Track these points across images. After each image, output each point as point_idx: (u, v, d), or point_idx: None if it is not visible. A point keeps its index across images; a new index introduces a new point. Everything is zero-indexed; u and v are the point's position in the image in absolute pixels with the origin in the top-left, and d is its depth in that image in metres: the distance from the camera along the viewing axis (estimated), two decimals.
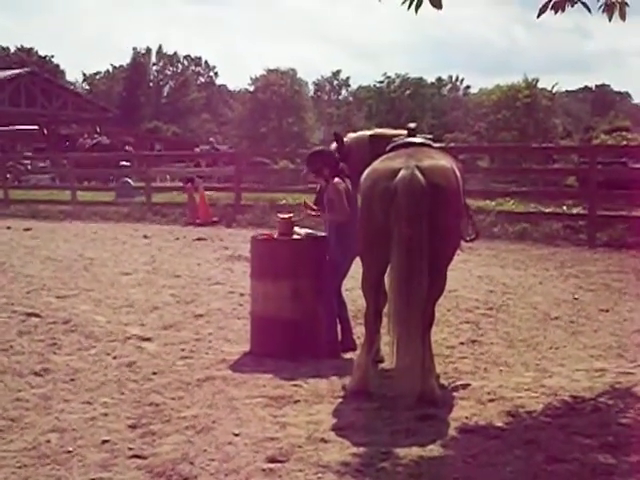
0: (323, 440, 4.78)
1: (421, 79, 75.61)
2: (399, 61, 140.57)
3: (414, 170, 5.50)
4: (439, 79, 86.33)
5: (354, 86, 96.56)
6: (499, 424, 5.11)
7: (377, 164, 5.87)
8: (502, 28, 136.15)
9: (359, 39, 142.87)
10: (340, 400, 5.62)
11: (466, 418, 5.21)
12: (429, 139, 6.43)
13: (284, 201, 18.11)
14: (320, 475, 4.26)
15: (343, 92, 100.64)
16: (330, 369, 6.40)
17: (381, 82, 71.22)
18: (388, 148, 6.12)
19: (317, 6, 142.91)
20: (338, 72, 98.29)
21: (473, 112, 56.67)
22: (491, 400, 5.60)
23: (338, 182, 6.88)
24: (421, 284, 5.40)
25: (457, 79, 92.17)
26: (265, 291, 6.84)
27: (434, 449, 4.65)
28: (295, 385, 5.95)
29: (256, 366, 6.48)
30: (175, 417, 5.22)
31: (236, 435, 4.86)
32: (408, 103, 69.82)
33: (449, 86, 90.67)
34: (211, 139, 40.65)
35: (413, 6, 4.91)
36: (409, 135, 6.32)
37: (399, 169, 5.54)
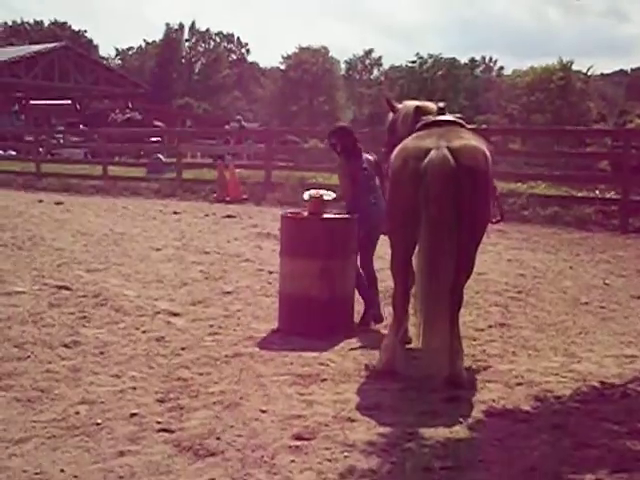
0: (349, 419, 4.79)
1: (454, 60, 74.90)
2: (432, 41, 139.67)
3: (444, 151, 5.47)
4: (472, 60, 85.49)
5: (386, 66, 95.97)
6: (526, 408, 5.08)
7: (408, 142, 5.83)
8: (537, 9, 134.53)
9: (392, 18, 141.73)
10: (367, 380, 5.62)
11: (493, 401, 5.19)
12: (459, 118, 6.36)
13: (314, 180, 18.07)
14: (346, 454, 4.27)
15: (375, 72, 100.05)
16: (357, 348, 6.41)
17: (413, 62, 70.59)
18: (418, 126, 6.09)
19: None
20: (370, 51, 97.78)
21: (506, 94, 56.16)
22: (519, 384, 5.57)
23: (345, 161, 7.22)
24: (448, 266, 5.39)
25: (490, 60, 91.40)
26: (294, 269, 6.85)
27: (460, 431, 4.64)
28: (322, 364, 5.96)
29: (283, 344, 6.50)
30: (203, 392, 5.25)
31: (263, 412, 4.88)
32: (440, 84, 69.23)
33: (482, 67, 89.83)
34: (238, 116, 40.56)
35: None
36: (439, 114, 6.28)
37: (429, 149, 5.51)
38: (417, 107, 6.53)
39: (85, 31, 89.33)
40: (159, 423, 4.68)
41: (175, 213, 16.24)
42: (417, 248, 5.56)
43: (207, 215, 16.02)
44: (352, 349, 6.40)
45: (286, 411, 4.91)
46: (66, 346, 6.33)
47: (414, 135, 5.91)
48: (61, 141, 31.09)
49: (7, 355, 6.02)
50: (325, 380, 5.59)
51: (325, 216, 7.02)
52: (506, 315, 7.71)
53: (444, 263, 5.37)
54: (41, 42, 57.77)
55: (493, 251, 11.36)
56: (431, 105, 6.63)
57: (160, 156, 24.06)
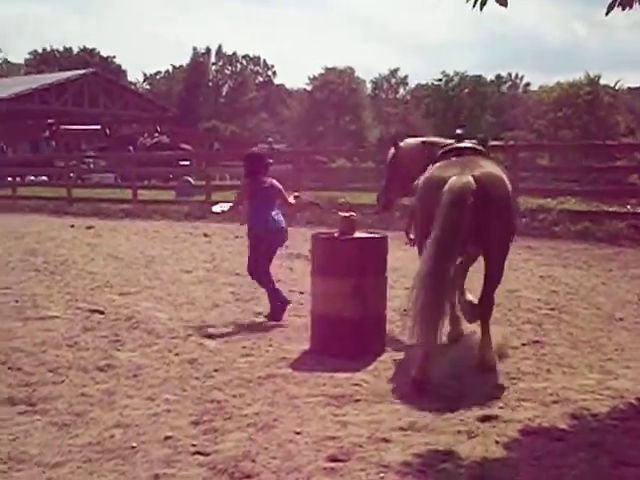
0: (384, 440, 4.76)
1: (480, 77, 74.76)
2: (458, 59, 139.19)
3: (466, 177, 6.01)
4: (498, 76, 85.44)
5: (412, 84, 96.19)
6: (563, 426, 5.03)
7: (433, 172, 6.39)
8: (563, 24, 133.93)
9: (417, 37, 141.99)
10: (401, 400, 5.59)
11: (529, 420, 5.13)
12: (480, 143, 6.89)
13: (342, 199, 18.03)
14: (382, 475, 4.24)
15: (401, 90, 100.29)
16: (390, 368, 6.38)
17: (439, 80, 70.56)
18: (440, 153, 6.66)
19: (375, 4, 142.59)
20: (396, 70, 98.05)
21: (533, 110, 56.01)
22: (555, 402, 5.51)
23: (248, 181, 8.56)
24: (443, 281, 5.78)
25: (517, 76, 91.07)
26: (326, 289, 6.85)
27: (497, 450, 4.60)
28: (355, 384, 5.94)
29: (316, 364, 6.48)
30: (237, 414, 5.25)
31: (297, 433, 4.87)
32: (467, 101, 69.15)
33: (508, 83, 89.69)
34: (270, 138, 40.79)
35: (478, 4, 4.83)
36: (458, 141, 6.86)
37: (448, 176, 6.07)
38: (423, 142, 7.38)
39: (114, 57, 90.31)
40: (194, 446, 4.69)
41: (205, 235, 16.32)
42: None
43: (237, 237, 16.04)
44: (385, 369, 6.37)
45: (320, 432, 4.89)
46: (100, 370, 6.37)
47: (437, 165, 6.46)
48: (91, 166, 31.41)
49: (42, 379, 6.07)
50: (359, 401, 5.57)
51: (356, 235, 7.02)
52: (539, 332, 7.64)
53: (436, 279, 5.74)
54: (71, 69, 58.57)
55: (525, 268, 11.29)
56: (437, 139, 7.39)
57: (189, 179, 24.22)
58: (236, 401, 5.55)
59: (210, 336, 7.52)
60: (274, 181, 8.62)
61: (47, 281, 10.46)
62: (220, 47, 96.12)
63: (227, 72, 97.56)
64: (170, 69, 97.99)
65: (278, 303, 8.34)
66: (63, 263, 12.11)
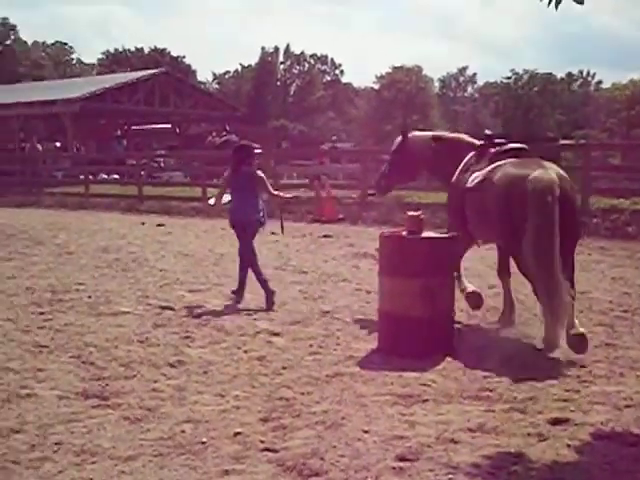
0: (453, 441, 4.73)
1: (550, 75, 73.82)
2: (527, 56, 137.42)
3: (551, 173, 6.85)
4: (569, 74, 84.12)
5: (480, 82, 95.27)
6: (637, 431, 4.92)
7: (509, 170, 7.15)
8: (636, 21, 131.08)
9: (486, 35, 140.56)
10: (469, 400, 5.55)
11: (601, 424, 5.04)
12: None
13: (409, 199, 18.00)
14: (451, 476, 4.22)
15: (469, 89, 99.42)
16: (458, 369, 6.33)
17: (508, 78, 70.00)
18: (494, 151, 7.60)
19: (444, 2, 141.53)
20: (464, 68, 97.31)
21: (605, 108, 54.96)
22: (627, 406, 5.40)
23: (230, 171, 9.34)
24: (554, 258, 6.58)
25: (588, 74, 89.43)
26: (394, 289, 6.83)
27: (568, 454, 4.53)
28: (423, 384, 5.91)
29: (384, 363, 6.47)
30: (305, 412, 5.28)
31: (365, 432, 4.87)
32: (536, 99, 68.27)
33: (579, 81, 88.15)
34: (334, 137, 40.86)
35: (553, 3, 4.74)
36: (489, 142, 7.85)
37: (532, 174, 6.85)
38: (433, 137, 8.43)
39: (184, 57, 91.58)
40: (263, 442, 4.73)
41: (272, 234, 16.38)
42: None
43: (304, 235, 16.14)
44: (453, 369, 6.33)
45: (388, 432, 4.88)
46: (171, 365, 6.47)
47: (510, 162, 7.27)
48: (162, 164, 31.87)
49: (115, 374, 6.19)
50: (427, 401, 5.54)
51: (425, 234, 6.99)
52: (612, 335, 7.49)
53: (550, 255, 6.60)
54: (142, 69, 59.51)
55: (596, 269, 11.08)
56: (449, 135, 8.55)
57: None
58: (304, 399, 5.58)
59: (278, 334, 7.56)
60: (256, 171, 9.28)
61: (119, 278, 10.66)
62: (288, 46, 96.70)
63: (295, 71, 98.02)
64: (239, 69, 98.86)
65: (244, 286, 9.17)
66: (134, 260, 12.33)
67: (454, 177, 7.95)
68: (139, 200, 23.79)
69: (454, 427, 4.96)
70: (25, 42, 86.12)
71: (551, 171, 6.87)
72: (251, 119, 65.79)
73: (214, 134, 37.72)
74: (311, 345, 7.13)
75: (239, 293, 9.18)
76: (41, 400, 5.54)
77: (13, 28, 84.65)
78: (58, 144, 41.16)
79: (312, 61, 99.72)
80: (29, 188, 27.95)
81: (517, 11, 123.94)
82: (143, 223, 18.68)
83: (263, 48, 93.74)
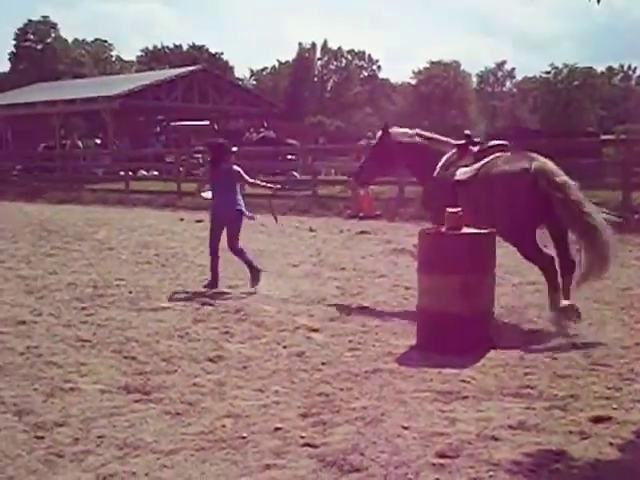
0: (493, 438, 4.71)
1: (590, 69, 72.91)
2: (567, 50, 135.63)
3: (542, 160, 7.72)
4: (609, 68, 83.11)
5: (519, 77, 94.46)
6: None
7: (502, 163, 7.94)
8: None
9: (525, 29, 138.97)
10: (509, 397, 5.52)
11: None
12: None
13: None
14: (492, 473, 4.20)
15: (507, 84, 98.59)
16: (498, 365, 6.29)
17: (548, 73, 69.22)
18: (480, 148, 8.39)
19: None
20: (503, 63, 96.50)
21: None
22: None
23: (210, 167, 10.05)
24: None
25: (629, 68, 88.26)
26: (433, 285, 6.81)
27: (610, 452, 4.48)
28: (463, 380, 5.89)
29: (423, 360, 6.45)
30: (345, 408, 5.29)
31: (405, 428, 4.87)
32: (576, 94, 67.51)
33: (620, 75, 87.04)
34: (369, 133, 40.73)
35: None
36: (468, 141, 8.64)
37: (527, 166, 7.67)
38: (419, 135, 9.14)
39: (222, 53, 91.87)
40: (303, 438, 4.75)
41: (311, 230, 16.45)
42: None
43: (342, 231, 16.15)
44: (492, 366, 6.30)
45: (428, 428, 4.88)
46: (211, 360, 6.52)
47: (504, 158, 8.04)
48: (200, 160, 32.03)
49: (156, 369, 6.26)
50: (466, 397, 5.52)
51: (464, 231, 6.96)
52: None
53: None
54: (180, 66, 59.91)
55: (637, 265, 10.94)
56: (427, 133, 9.31)
57: (295, 173, 24.42)
58: (344, 394, 5.59)
59: (317, 329, 7.58)
60: (234, 166, 9.90)
61: (159, 273, 10.75)
62: (325, 42, 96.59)
63: (332, 67, 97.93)
64: (276, 65, 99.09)
65: (255, 269, 9.72)
66: (174, 256, 12.43)
67: (436, 172, 8.64)
68: (178, 196, 23.93)
69: (494, 424, 4.94)
70: (65, 40, 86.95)
71: (549, 161, 7.73)
72: (288, 115, 65.86)
73: (252, 130, 37.89)
74: (350, 341, 7.14)
75: (255, 276, 9.69)
76: (84, 394, 5.63)
77: (54, 26, 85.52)
78: (98, 141, 41.61)
79: (349, 57, 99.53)
80: (70, 185, 28.27)
81: (556, 5, 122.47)
82: (182, 219, 18.81)
83: (300, 44, 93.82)
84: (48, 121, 42.82)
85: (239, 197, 9.84)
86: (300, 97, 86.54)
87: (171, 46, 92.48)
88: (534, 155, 7.84)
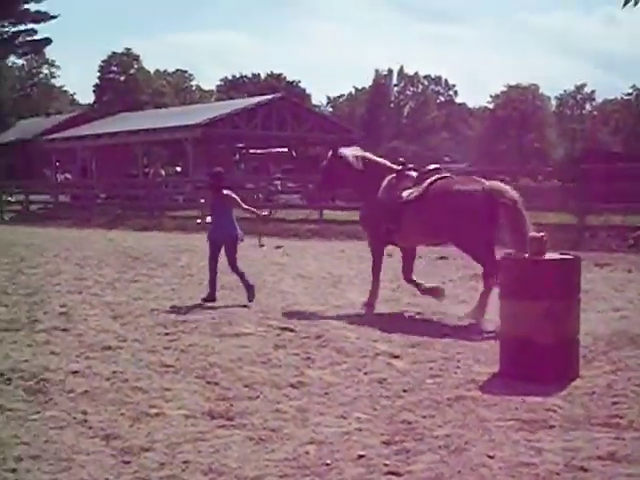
0: (582, 469, 4.59)
1: None
2: None
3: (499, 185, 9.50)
4: None
5: (599, 100, 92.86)
6: None
7: (458, 186, 9.46)
8: None
9: (605, 51, 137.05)
10: (598, 427, 5.39)
11: None
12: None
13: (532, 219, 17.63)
14: None
15: (587, 106, 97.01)
16: (585, 394, 6.16)
17: (629, 94, 67.91)
18: (421, 172, 9.85)
19: (559, 20, 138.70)
20: (582, 86, 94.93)
21: None
22: None
23: (211, 194, 11.05)
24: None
25: None
26: (516, 311, 6.71)
27: None
28: (548, 409, 5.78)
29: (506, 388, 6.35)
30: (428, 436, 5.24)
31: (490, 457, 4.79)
32: None
33: None
34: (446, 158, 40.59)
35: None
36: (404, 167, 10.05)
37: (482, 188, 9.29)
38: (362, 157, 10.24)
39: (299, 81, 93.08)
40: (386, 465, 4.72)
41: (389, 256, 16.37)
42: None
43: (420, 257, 15.99)
44: (579, 394, 6.16)
45: (514, 458, 4.79)
46: (293, 386, 6.54)
47: (450, 181, 9.63)
48: (279, 187, 32.35)
49: (239, 394, 6.31)
50: (553, 427, 5.41)
51: (548, 256, 6.85)
52: None
53: None
54: (259, 94, 60.80)
55: None
56: (373, 157, 10.43)
57: None
58: (426, 422, 5.54)
59: (398, 356, 7.54)
60: (229, 192, 10.77)
61: (240, 299, 10.84)
62: (402, 68, 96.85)
63: (409, 93, 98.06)
64: (353, 91, 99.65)
65: (250, 285, 10.50)
66: (254, 282, 12.51)
67: (379, 193, 9.83)
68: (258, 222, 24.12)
69: (583, 454, 4.83)
70: (148, 71, 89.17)
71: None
72: (365, 141, 66.08)
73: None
74: (431, 368, 7.08)
75: (251, 293, 10.49)
76: (169, 419, 5.70)
77: (136, 58, 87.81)
78: (179, 169, 42.42)
79: (426, 82, 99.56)
80: (152, 212, 28.84)
81: (638, 25, 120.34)
82: (262, 245, 18.97)
83: (377, 70, 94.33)
84: (131, 150, 43.90)
85: (234, 220, 10.77)
86: (376, 123, 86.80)
87: (250, 75, 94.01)
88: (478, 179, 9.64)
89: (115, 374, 6.91)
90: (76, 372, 6.98)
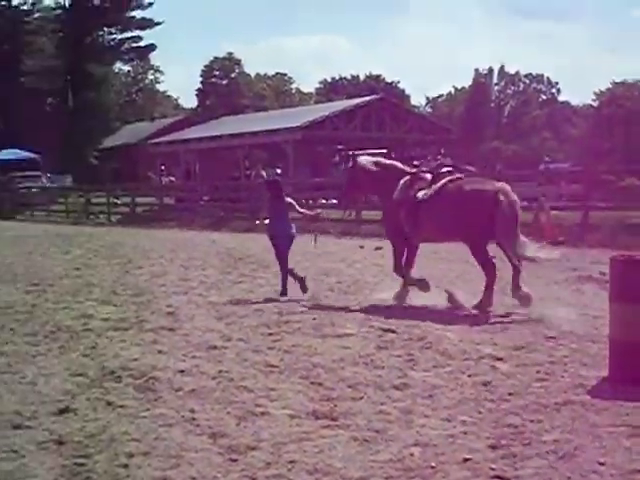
0: None
1: None
2: None
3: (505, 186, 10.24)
4: None
5: None
6: None
7: (468, 186, 10.20)
8: None
9: None
10: None
11: None
12: None
13: (635, 220, 17.18)
14: None
15: None
16: None
17: None
18: (436, 174, 10.53)
19: None
20: None
21: None
22: None
23: (271, 200, 12.02)
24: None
25: None
26: (627, 314, 6.51)
27: None
28: None
29: (617, 393, 6.18)
30: (535, 440, 5.15)
31: (601, 464, 4.68)
32: None
33: None
34: (546, 158, 39.76)
35: None
36: (417, 169, 10.93)
37: (491, 188, 10.12)
38: (376, 163, 11.16)
39: (398, 82, 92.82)
40: (493, 470, 4.66)
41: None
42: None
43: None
44: None
45: (627, 465, 4.66)
46: (396, 388, 6.52)
47: (467, 181, 10.37)
48: None
49: (342, 395, 6.33)
50: None
51: None
52: None
53: None
54: (357, 95, 60.91)
55: None
56: (388, 161, 11.58)
57: None
58: (534, 427, 5.45)
59: (502, 359, 7.44)
60: (287, 198, 11.83)
61: (341, 300, 10.90)
62: (502, 67, 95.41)
63: (509, 91, 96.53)
64: (452, 91, 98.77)
65: (301, 278, 11.47)
66: (355, 283, 12.57)
67: (396, 195, 10.51)
68: (357, 224, 24.20)
69: None
70: (248, 75, 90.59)
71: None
72: (465, 142, 65.41)
73: (429, 158, 37.86)
74: (538, 371, 6.95)
75: (303, 286, 11.42)
76: (274, 419, 5.77)
77: (238, 62, 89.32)
78: (279, 171, 42.86)
79: (527, 80, 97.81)
80: (254, 214, 29.20)
81: None
82: (362, 246, 19.00)
83: (476, 70, 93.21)
84: (233, 153, 44.61)
85: (289, 223, 11.74)
86: (476, 123, 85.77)
87: (348, 77, 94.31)
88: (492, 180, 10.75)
89: (221, 373, 7.05)
90: (183, 371, 7.15)
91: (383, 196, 11.03)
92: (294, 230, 11.81)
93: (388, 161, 11.49)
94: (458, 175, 10.47)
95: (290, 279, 11.60)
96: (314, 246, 12.64)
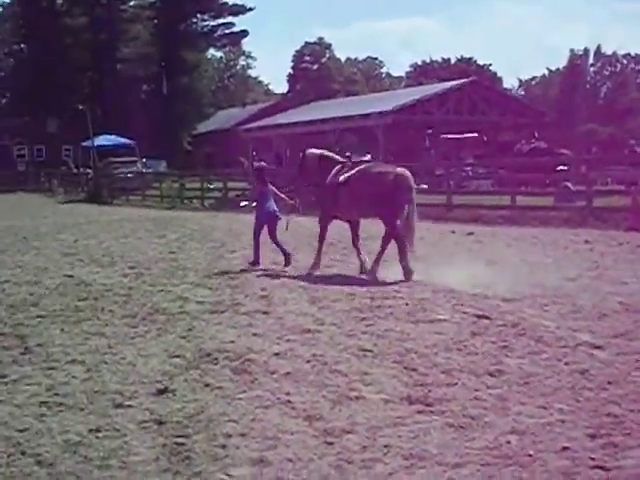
0: None
1: None
2: None
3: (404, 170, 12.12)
4: None
5: None
6: None
7: (372, 168, 12.50)
8: None
9: None
10: None
11: None
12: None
13: None
14: None
15: None
16: None
17: None
18: (352, 163, 13.24)
19: None
20: None
21: None
22: None
23: (257, 184, 14.29)
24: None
25: None
26: None
27: None
28: None
29: None
30: (637, 430, 5.04)
31: None
32: None
33: None
34: (632, 141, 38.51)
35: None
36: (349, 160, 14.50)
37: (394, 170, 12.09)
38: (320, 155, 13.11)
39: (490, 64, 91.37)
40: (593, 459, 4.59)
41: (587, 242, 15.84)
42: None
43: (621, 244, 15.39)
44: None
45: None
46: (491, 374, 6.46)
47: (368, 166, 12.90)
48: (470, 173, 31.96)
49: (436, 381, 6.31)
50: None
51: None
52: None
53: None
54: (448, 79, 60.23)
55: None
56: (329, 154, 13.40)
57: (568, 184, 23.67)
58: (635, 416, 5.32)
59: (600, 347, 7.27)
60: (270, 185, 13.75)
61: (431, 285, 10.80)
62: (599, 47, 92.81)
63: (606, 73, 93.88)
64: (546, 73, 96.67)
65: (287, 254, 13.34)
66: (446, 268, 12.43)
67: (327, 180, 12.43)
68: (448, 209, 24.00)
69: None
70: (339, 59, 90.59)
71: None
72: (559, 124, 63.98)
73: (523, 142, 37.24)
74: (637, 360, 6.77)
75: (287, 259, 13.28)
76: (369, 403, 5.80)
77: (328, 47, 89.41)
78: (369, 155, 42.79)
79: (625, 61, 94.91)
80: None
81: None
82: (453, 231, 18.84)
83: (572, 51, 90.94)
84: (324, 138, 44.75)
85: (274, 204, 13.50)
86: (571, 105, 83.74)
87: (439, 60, 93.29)
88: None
89: (315, 357, 7.10)
90: (278, 354, 7.24)
91: (322, 182, 12.67)
92: (277, 211, 13.59)
93: (330, 154, 13.43)
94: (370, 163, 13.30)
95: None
96: (285, 229, 13.41)
